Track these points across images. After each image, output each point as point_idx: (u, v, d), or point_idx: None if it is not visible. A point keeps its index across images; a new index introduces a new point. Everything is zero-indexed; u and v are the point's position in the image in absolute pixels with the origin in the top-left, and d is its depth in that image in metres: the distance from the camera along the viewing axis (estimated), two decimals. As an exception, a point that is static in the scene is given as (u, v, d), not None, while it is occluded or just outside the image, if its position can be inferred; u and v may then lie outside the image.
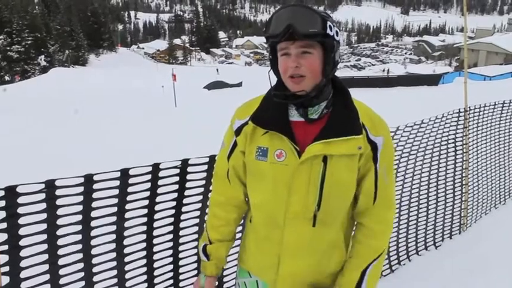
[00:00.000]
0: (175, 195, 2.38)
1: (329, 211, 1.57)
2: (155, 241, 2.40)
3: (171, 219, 2.44)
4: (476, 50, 69.72)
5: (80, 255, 2.13)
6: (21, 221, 1.87)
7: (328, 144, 1.50)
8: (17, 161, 9.08)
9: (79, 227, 2.08)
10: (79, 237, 2.10)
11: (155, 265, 2.45)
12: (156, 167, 2.22)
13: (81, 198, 2.03)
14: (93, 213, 2.10)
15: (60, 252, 2.04)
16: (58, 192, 1.93)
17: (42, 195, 1.91)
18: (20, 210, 1.86)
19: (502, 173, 5.33)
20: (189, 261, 2.60)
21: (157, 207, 2.33)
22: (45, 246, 1.99)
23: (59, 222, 1.99)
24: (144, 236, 2.35)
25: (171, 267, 2.53)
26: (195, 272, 2.63)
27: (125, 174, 2.12)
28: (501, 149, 5.21)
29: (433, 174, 4.16)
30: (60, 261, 2.05)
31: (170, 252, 2.50)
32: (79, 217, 2.07)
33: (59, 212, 1.97)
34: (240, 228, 2.67)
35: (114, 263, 2.27)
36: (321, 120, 1.55)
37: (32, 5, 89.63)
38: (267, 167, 1.56)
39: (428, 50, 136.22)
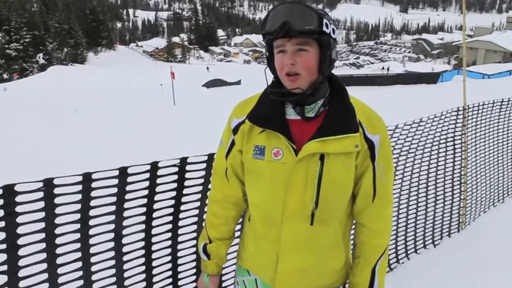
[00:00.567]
0: (174, 193, 2.37)
1: (327, 209, 1.57)
2: (154, 240, 2.40)
3: (170, 218, 2.44)
4: (475, 48, 69.82)
5: (79, 254, 2.12)
6: (19, 219, 1.86)
7: (325, 143, 1.50)
8: (16, 161, 9.07)
9: (77, 226, 2.07)
10: (77, 236, 2.09)
11: (154, 264, 2.45)
12: (154, 166, 2.21)
13: (79, 196, 2.02)
14: (92, 212, 2.09)
15: (58, 251, 2.03)
16: (56, 190, 1.93)
17: (41, 194, 1.90)
18: (18, 208, 1.85)
19: (501, 171, 5.33)
20: (188, 260, 2.59)
21: (155, 206, 2.32)
22: (43, 245, 1.98)
23: (57, 220, 1.98)
24: (142, 235, 2.34)
25: (169, 265, 2.52)
26: (194, 270, 2.63)
27: (123, 172, 2.12)
28: (500, 147, 5.21)
29: (431, 172, 4.16)
30: (59, 260, 2.04)
31: (169, 250, 2.49)
32: (77, 216, 2.06)
33: (57, 210, 1.96)
34: (238, 226, 2.67)
35: (113, 262, 2.27)
36: (317, 118, 1.55)
37: (30, 2, 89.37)
38: (265, 165, 1.56)
39: (427, 48, 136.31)
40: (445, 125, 4.16)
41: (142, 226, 2.33)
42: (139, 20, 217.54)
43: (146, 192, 2.26)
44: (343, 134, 1.50)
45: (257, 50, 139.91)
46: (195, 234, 2.57)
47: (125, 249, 2.29)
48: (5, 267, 1.87)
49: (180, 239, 2.52)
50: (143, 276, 2.42)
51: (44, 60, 76.59)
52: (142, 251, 2.37)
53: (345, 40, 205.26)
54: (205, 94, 31.65)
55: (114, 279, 2.29)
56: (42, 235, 1.97)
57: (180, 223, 2.48)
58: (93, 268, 2.20)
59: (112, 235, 2.22)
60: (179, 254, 2.54)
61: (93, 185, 2.03)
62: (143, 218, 2.31)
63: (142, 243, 2.36)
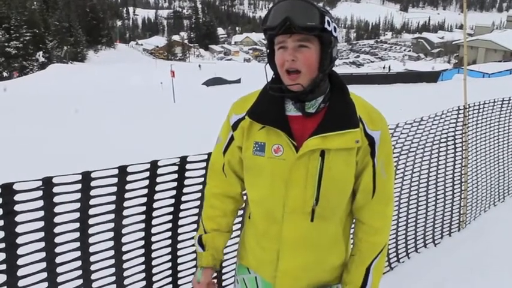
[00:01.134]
0: (173, 192, 2.37)
1: (327, 206, 1.56)
2: (153, 239, 2.39)
3: (170, 217, 2.43)
4: (475, 47, 69.82)
5: (78, 253, 2.11)
6: (18, 218, 1.86)
7: (326, 139, 1.50)
8: (16, 159, 9.05)
9: (77, 225, 2.07)
10: (77, 234, 2.08)
11: (153, 263, 2.44)
12: (154, 164, 2.21)
13: (78, 195, 2.02)
14: (91, 211, 2.09)
15: (57, 250, 2.02)
16: (55, 189, 1.92)
17: (40, 193, 1.89)
18: (17, 207, 1.84)
19: (501, 170, 5.33)
20: (188, 259, 2.59)
21: (155, 205, 2.32)
22: (42, 244, 1.98)
23: (57, 219, 1.98)
24: (142, 234, 2.34)
25: (169, 264, 2.52)
26: (194, 269, 2.62)
27: (122, 171, 2.11)
28: (500, 146, 5.21)
29: (432, 171, 4.15)
30: (58, 259, 2.04)
31: (169, 249, 2.49)
32: (77, 215, 2.05)
33: (57, 209, 1.96)
34: (239, 225, 2.67)
35: (112, 261, 2.26)
36: (318, 114, 1.55)
37: (30, 0, 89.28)
38: (265, 162, 1.55)
39: (427, 47, 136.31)
40: (445, 124, 4.15)
41: (142, 225, 2.32)
42: (139, 18, 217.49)
43: (146, 191, 2.25)
44: (344, 130, 1.50)
45: (257, 49, 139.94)
46: (195, 233, 2.56)
47: (124, 248, 2.29)
48: (3, 266, 1.87)
49: (179, 238, 2.51)
50: (143, 275, 2.42)
51: (44, 58, 76.61)
52: (142, 250, 2.37)
53: (345, 39, 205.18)
54: (206, 92, 31.62)
55: (113, 278, 2.28)
56: (41, 234, 1.96)
57: (180, 222, 2.48)
58: (93, 267, 2.19)
59: (111, 234, 2.22)
60: (179, 253, 2.54)
61: (93, 183, 2.03)
62: (143, 217, 2.31)
63: (142, 242, 2.36)
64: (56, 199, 1.93)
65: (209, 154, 2.35)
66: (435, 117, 3.98)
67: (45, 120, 16.19)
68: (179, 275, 2.59)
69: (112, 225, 2.20)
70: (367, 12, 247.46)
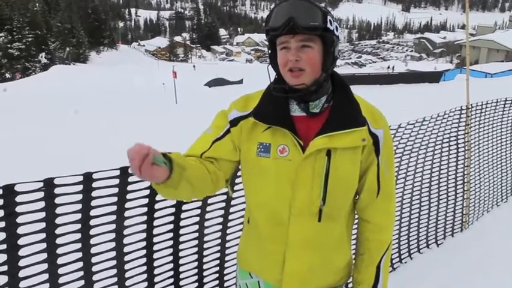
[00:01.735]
0: (175, 193, 2.36)
1: (334, 205, 1.56)
2: (155, 240, 2.39)
3: (171, 218, 2.43)
4: (478, 47, 69.74)
5: (79, 254, 2.11)
6: (19, 219, 1.86)
7: (332, 138, 1.50)
8: (17, 161, 9.06)
9: (78, 226, 2.06)
10: (78, 236, 2.08)
11: (155, 264, 2.44)
12: (156, 165, 2.20)
13: (80, 196, 2.01)
14: (93, 212, 2.09)
15: (59, 251, 2.02)
16: (57, 190, 1.92)
17: (41, 194, 1.89)
18: (19, 208, 1.84)
19: (504, 170, 5.31)
20: (189, 260, 2.59)
21: (157, 206, 2.31)
22: (44, 245, 1.97)
23: (58, 221, 1.98)
24: (144, 235, 2.33)
25: (171, 266, 2.51)
26: (196, 270, 2.62)
27: (124, 172, 2.11)
28: (503, 146, 5.19)
29: (434, 172, 4.14)
30: (59, 260, 2.04)
31: (170, 251, 2.48)
32: (78, 216, 2.05)
33: (58, 210, 1.96)
34: (238, 227, 2.66)
35: (114, 262, 2.26)
36: (322, 114, 1.55)
37: (33, 2, 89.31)
38: (270, 163, 1.54)
39: (430, 47, 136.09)
40: (448, 124, 4.14)
41: (144, 226, 2.32)
42: (141, 19, 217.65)
43: (147, 192, 2.25)
44: (350, 128, 1.51)
45: (259, 49, 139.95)
46: (196, 234, 2.56)
47: (126, 249, 2.28)
48: (5, 268, 1.86)
49: (181, 239, 2.51)
50: (144, 276, 2.41)
51: (46, 59, 76.70)
52: (144, 251, 2.36)
53: (347, 39, 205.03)
54: (207, 93, 31.63)
55: (115, 279, 2.28)
56: (43, 235, 1.96)
57: (182, 223, 2.47)
58: (94, 268, 2.19)
59: (113, 235, 2.22)
60: (181, 254, 2.53)
61: (94, 185, 2.03)
62: (144, 218, 2.30)
63: (144, 244, 2.35)
64: (57, 200, 1.93)
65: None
66: (437, 117, 3.97)
67: (46, 121, 16.20)
68: (181, 275, 2.58)
69: (114, 226, 2.20)
70: (369, 13, 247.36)
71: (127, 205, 2.20)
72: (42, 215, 1.92)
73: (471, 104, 4.37)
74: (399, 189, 3.70)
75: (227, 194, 2.58)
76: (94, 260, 2.17)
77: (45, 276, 2.01)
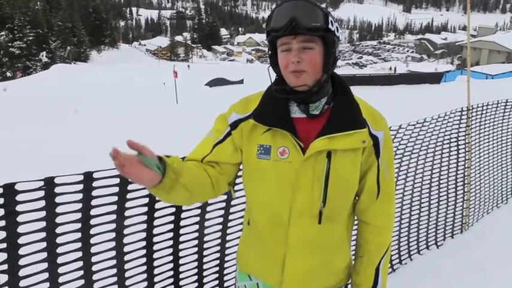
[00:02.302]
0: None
1: (334, 207, 1.56)
2: (155, 239, 2.39)
3: (172, 218, 2.43)
4: (479, 48, 69.69)
5: (79, 254, 2.11)
6: (20, 218, 1.86)
7: (333, 139, 1.49)
8: (17, 160, 9.06)
9: (78, 225, 2.06)
10: (78, 235, 2.08)
11: (155, 264, 2.44)
12: (156, 165, 2.20)
13: (80, 196, 2.02)
14: (93, 211, 2.09)
15: (59, 250, 2.02)
16: (57, 189, 1.92)
17: (41, 193, 1.89)
18: (19, 207, 1.84)
19: (504, 172, 5.30)
20: (189, 260, 2.59)
21: (157, 206, 2.31)
22: (44, 244, 1.97)
23: (58, 220, 1.98)
24: (144, 235, 2.34)
25: (171, 265, 2.51)
26: (196, 270, 2.62)
27: (124, 172, 2.10)
28: (503, 148, 5.18)
29: (435, 173, 4.14)
30: (59, 260, 2.04)
31: (170, 250, 2.48)
32: (78, 215, 2.05)
33: (58, 209, 1.96)
34: (237, 227, 2.66)
35: (114, 262, 2.26)
36: (322, 116, 1.54)
37: (34, 1, 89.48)
38: (270, 165, 1.53)
39: (430, 48, 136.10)
40: (448, 125, 4.14)
41: (144, 226, 2.32)
42: (142, 18, 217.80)
43: (148, 191, 2.24)
44: (351, 130, 1.50)
45: (260, 49, 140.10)
46: (197, 234, 2.56)
47: (126, 249, 2.28)
48: (5, 267, 1.86)
49: (181, 238, 2.51)
50: (144, 276, 2.41)
51: (47, 58, 76.81)
52: (144, 251, 2.36)
53: (348, 40, 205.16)
54: (208, 93, 31.64)
55: (115, 279, 2.28)
56: (43, 234, 1.96)
57: (182, 223, 2.47)
58: (94, 268, 2.19)
59: (113, 235, 2.22)
60: (180, 254, 2.53)
61: (95, 184, 2.03)
62: (144, 217, 2.30)
63: (144, 243, 2.35)
64: (57, 199, 1.93)
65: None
66: (438, 118, 3.97)
67: (46, 120, 16.21)
68: (181, 276, 2.58)
69: (114, 225, 2.20)
70: (369, 13, 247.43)
71: (127, 204, 2.20)
72: (43, 214, 1.92)
73: (472, 106, 4.37)
74: (399, 190, 3.70)
75: (228, 195, 2.58)
76: (94, 259, 2.17)
77: (45, 275, 2.01)
